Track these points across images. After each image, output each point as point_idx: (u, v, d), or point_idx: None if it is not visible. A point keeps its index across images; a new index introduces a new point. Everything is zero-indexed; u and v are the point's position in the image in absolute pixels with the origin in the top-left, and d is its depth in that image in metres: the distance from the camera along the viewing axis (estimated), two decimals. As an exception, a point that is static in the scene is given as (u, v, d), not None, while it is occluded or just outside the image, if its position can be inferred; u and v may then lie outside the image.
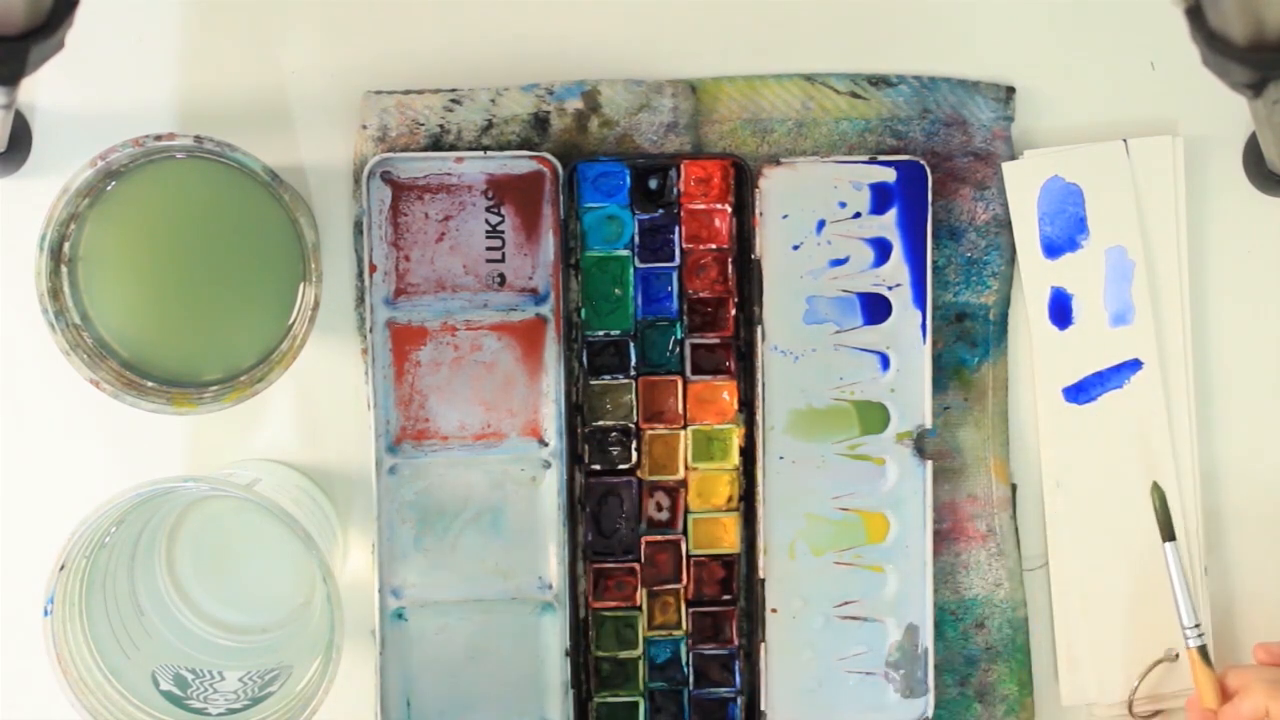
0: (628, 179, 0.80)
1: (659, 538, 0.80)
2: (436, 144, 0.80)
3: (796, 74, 0.82)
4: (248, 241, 0.74)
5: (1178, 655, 0.81)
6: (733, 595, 0.81)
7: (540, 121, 0.80)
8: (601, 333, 0.80)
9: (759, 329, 0.80)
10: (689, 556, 0.81)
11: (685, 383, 0.80)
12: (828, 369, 0.80)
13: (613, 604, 0.80)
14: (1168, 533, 0.79)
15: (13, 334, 0.80)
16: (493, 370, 0.80)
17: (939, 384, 0.81)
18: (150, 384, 0.74)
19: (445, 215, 0.79)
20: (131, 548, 0.78)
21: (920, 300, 0.80)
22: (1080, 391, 0.82)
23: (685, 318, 0.80)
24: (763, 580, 0.80)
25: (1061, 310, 0.82)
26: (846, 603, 0.81)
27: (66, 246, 0.73)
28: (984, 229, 0.82)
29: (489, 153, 0.79)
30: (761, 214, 0.80)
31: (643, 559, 0.80)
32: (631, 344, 0.80)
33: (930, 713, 0.81)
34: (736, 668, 0.81)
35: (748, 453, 0.80)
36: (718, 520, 0.81)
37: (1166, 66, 0.83)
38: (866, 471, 0.81)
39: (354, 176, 0.80)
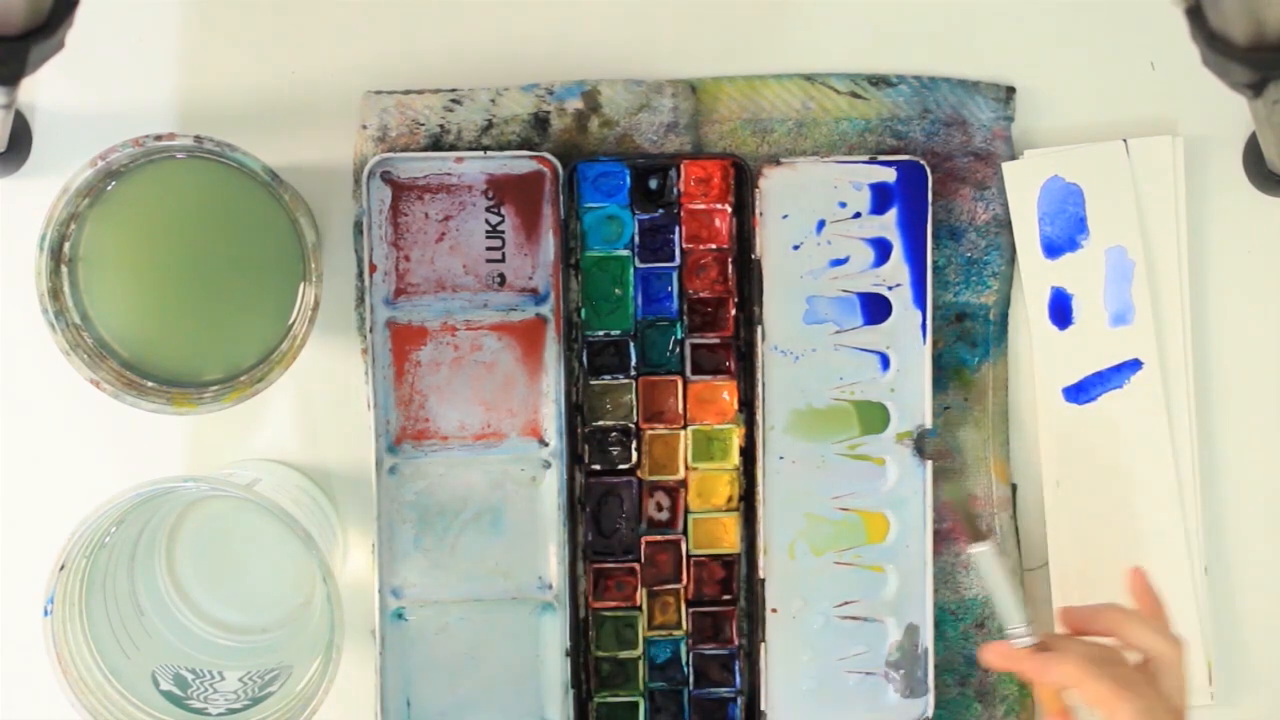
0: (628, 179, 0.80)
1: (659, 538, 0.80)
2: (436, 144, 0.80)
3: (796, 74, 0.82)
4: (248, 241, 0.74)
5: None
6: (733, 595, 0.81)
7: (540, 121, 0.80)
8: (601, 333, 0.80)
9: (759, 329, 0.80)
10: (689, 556, 0.81)
11: (685, 383, 0.80)
12: (828, 369, 0.80)
13: (613, 604, 0.80)
14: (976, 535, 0.73)
15: (13, 334, 0.80)
16: (493, 370, 0.80)
17: (939, 384, 0.81)
18: (150, 384, 0.74)
19: (445, 215, 0.79)
20: (131, 548, 0.78)
21: (920, 300, 0.80)
22: (1080, 391, 0.82)
23: (685, 318, 0.80)
24: (763, 580, 0.80)
25: (1061, 310, 0.82)
26: (846, 603, 0.81)
27: (66, 246, 0.73)
28: (984, 229, 0.82)
29: (489, 153, 0.79)
30: (761, 214, 0.80)
31: (643, 559, 0.80)
32: (631, 344, 0.80)
33: (930, 713, 0.81)
34: (736, 668, 0.81)
35: (748, 453, 0.80)
36: (718, 520, 0.81)
37: (1166, 66, 0.83)
38: (866, 471, 0.81)
39: (354, 176, 0.80)
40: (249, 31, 0.81)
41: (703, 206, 0.80)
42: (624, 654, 0.81)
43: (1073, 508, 0.82)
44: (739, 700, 0.81)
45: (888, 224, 0.80)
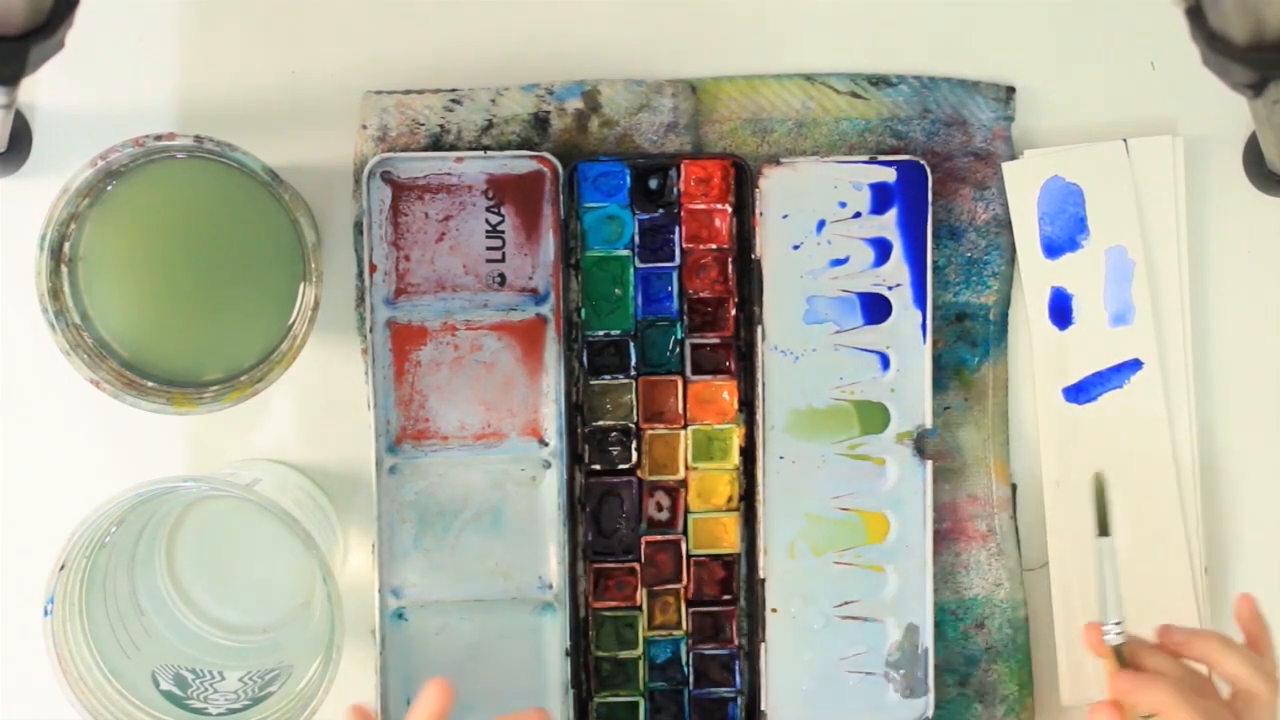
0: (628, 179, 0.80)
1: (659, 538, 0.80)
2: (436, 144, 0.80)
3: (796, 74, 0.82)
4: (248, 241, 0.74)
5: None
6: (733, 595, 0.81)
7: (540, 121, 0.80)
8: (601, 333, 0.80)
9: (759, 329, 0.80)
10: (689, 556, 0.81)
11: (685, 383, 0.80)
12: (828, 369, 0.80)
13: (613, 604, 0.80)
14: (1103, 527, 0.75)
15: (13, 334, 0.80)
16: (493, 370, 0.80)
17: (939, 384, 0.81)
18: (150, 384, 0.74)
19: (445, 215, 0.79)
20: (131, 548, 0.78)
21: (920, 300, 0.80)
22: (1080, 391, 0.82)
23: (685, 318, 0.80)
24: (763, 580, 0.80)
25: (1061, 310, 0.82)
26: (846, 603, 0.81)
27: (66, 246, 0.73)
28: (984, 229, 0.82)
29: (489, 153, 0.79)
30: (761, 214, 0.80)
31: (643, 559, 0.80)
32: (631, 344, 0.80)
33: (930, 713, 0.81)
34: (736, 668, 0.81)
35: (748, 453, 0.80)
36: (718, 520, 0.81)
37: (1166, 66, 0.83)
38: (866, 471, 0.81)
39: (354, 176, 0.80)
40: (249, 31, 0.81)
41: (703, 206, 0.80)
42: (624, 654, 0.81)
43: (1073, 508, 0.82)
44: (739, 700, 0.81)
45: (888, 224, 0.80)
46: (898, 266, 0.80)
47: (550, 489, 0.80)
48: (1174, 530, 0.81)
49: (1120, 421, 0.81)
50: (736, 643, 0.81)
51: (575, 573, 0.80)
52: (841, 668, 0.81)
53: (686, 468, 0.81)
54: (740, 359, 0.80)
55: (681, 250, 0.80)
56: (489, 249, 0.80)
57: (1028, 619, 0.82)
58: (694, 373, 0.80)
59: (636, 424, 0.80)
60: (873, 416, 0.81)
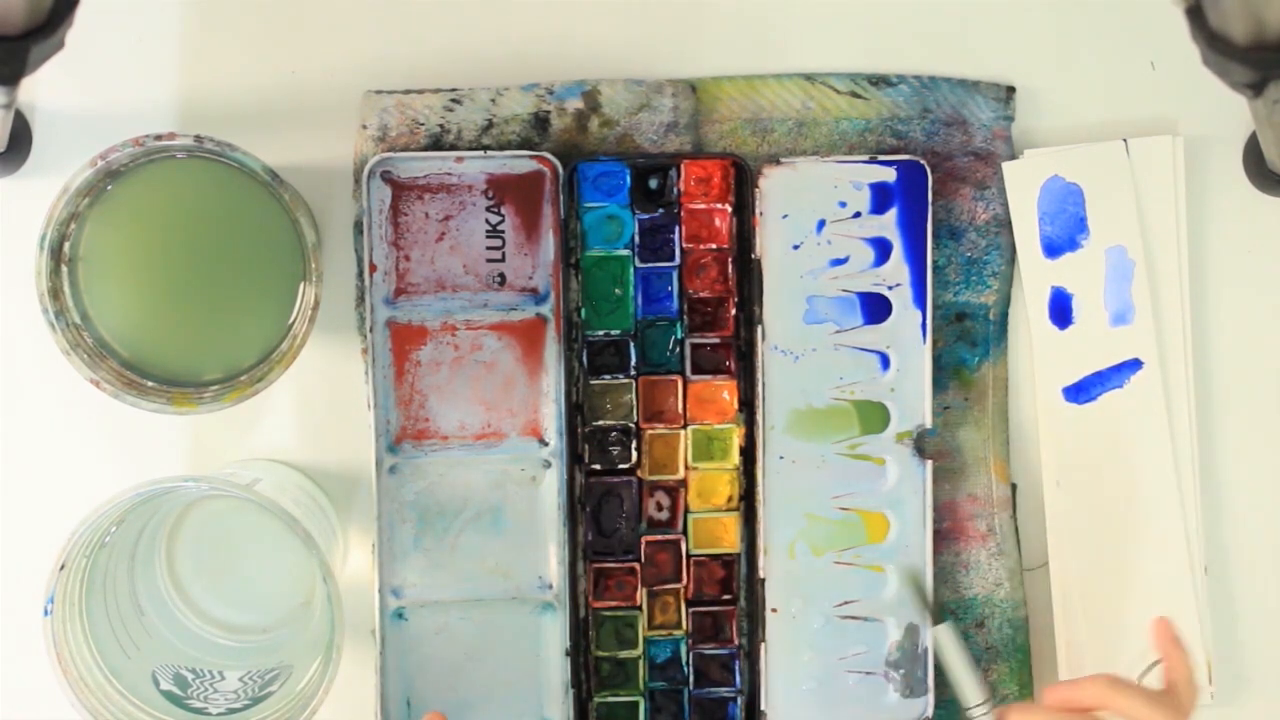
0: (628, 179, 0.80)
1: (659, 538, 0.80)
2: (436, 144, 0.80)
3: (796, 74, 0.82)
4: (248, 241, 0.74)
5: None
6: (733, 595, 0.81)
7: (540, 121, 0.80)
8: (601, 332, 0.80)
9: (759, 329, 0.80)
10: (689, 556, 0.81)
11: (685, 382, 0.80)
12: (828, 369, 0.80)
13: (613, 604, 0.80)
14: (936, 617, 0.79)
15: (13, 334, 0.80)
16: (493, 370, 0.80)
17: (939, 384, 0.81)
18: (150, 384, 0.74)
19: (445, 215, 0.79)
20: (131, 548, 0.78)
21: (920, 300, 0.80)
22: (1080, 391, 0.82)
23: (685, 317, 0.80)
24: (763, 580, 0.80)
25: (1061, 310, 0.82)
26: (846, 602, 0.81)
27: (66, 246, 0.73)
28: (984, 229, 0.82)
29: (489, 152, 0.79)
30: (761, 214, 0.80)
31: (643, 559, 0.80)
32: (631, 344, 0.80)
33: (930, 713, 0.81)
34: (736, 668, 0.81)
35: (748, 453, 0.80)
36: (718, 520, 0.81)
37: (1166, 66, 0.83)
38: (866, 471, 0.81)
39: (354, 176, 0.80)
40: (249, 31, 0.81)
41: (703, 206, 0.80)
42: (624, 654, 0.81)
43: (1073, 508, 0.82)
44: (739, 700, 0.81)
45: (888, 224, 0.80)
46: (898, 266, 0.80)
47: (550, 489, 0.80)
48: (1174, 530, 0.81)
49: (1120, 421, 0.81)
50: (736, 642, 0.81)
51: (575, 572, 0.80)
52: (841, 668, 0.81)
53: (686, 467, 0.81)
54: (740, 359, 0.80)
55: (681, 250, 0.80)
56: (489, 249, 0.80)
57: (1028, 619, 0.82)
58: (694, 372, 0.80)
59: (636, 424, 0.80)
60: (873, 416, 0.81)
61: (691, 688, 0.81)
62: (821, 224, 0.80)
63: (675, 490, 0.81)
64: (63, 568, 0.70)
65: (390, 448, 0.79)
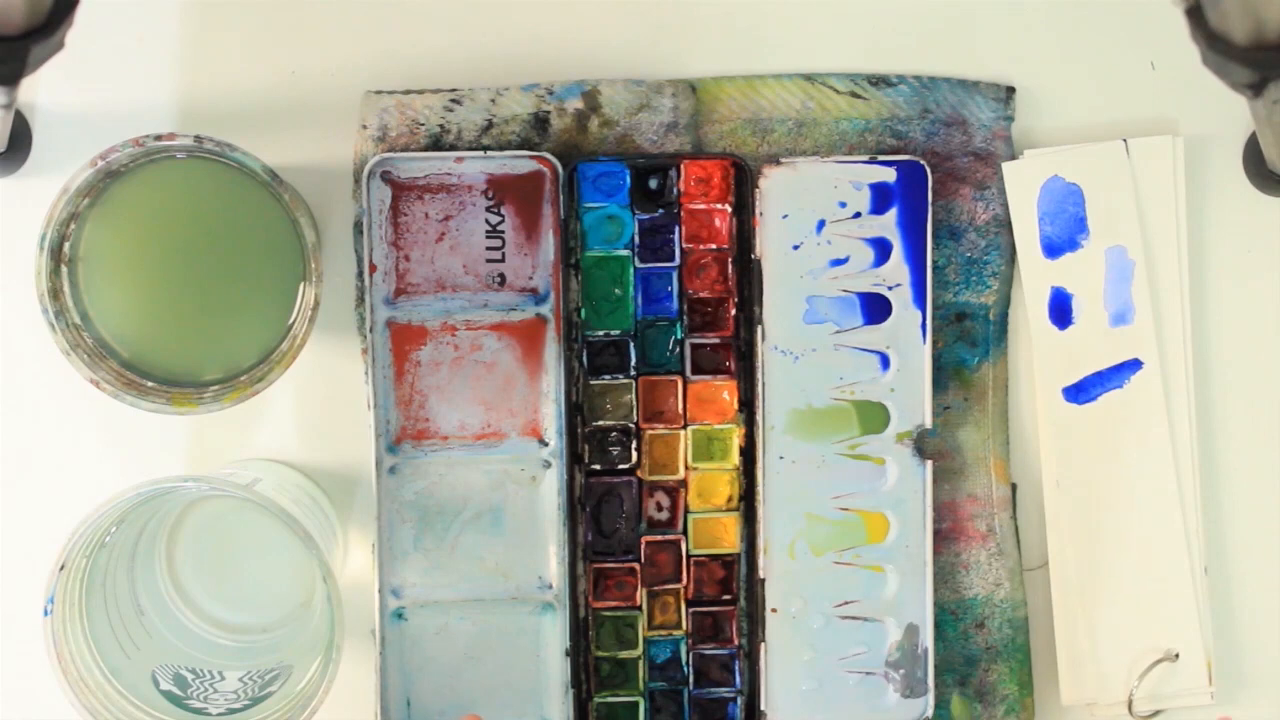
0: (628, 179, 0.80)
1: (659, 538, 0.81)
2: (436, 144, 0.80)
3: (796, 74, 0.82)
4: (248, 241, 0.74)
5: (1178, 655, 0.81)
6: (733, 595, 0.81)
7: (540, 121, 0.80)
8: (601, 333, 0.80)
9: (759, 329, 0.80)
10: (689, 556, 0.81)
11: (685, 383, 0.80)
12: (828, 369, 0.80)
13: (613, 604, 0.80)
14: None
15: (13, 334, 0.80)
16: (493, 370, 0.80)
17: (939, 384, 0.81)
18: (150, 384, 0.74)
19: (445, 215, 0.79)
20: (131, 548, 0.78)
21: (920, 300, 0.80)
22: (1080, 391, 0.82)
23: (685, 318, 0.80)
24: (763, 580, 0.80)
25: (1061, 310, 0.82)
26: (846, 603, 0.81)
27: (66, 246, 0.73)
28: (984, 229, 0.82)
29: (489, 153, 0.79)
30: (761, 214, 0.80)
31: (643, 559, 0.80)
32: (631, 344, 0.80)
33: (930, 713, 0.81)
34: (736, 668, 0.81)
35: (748, 453, 0.80)
36: (718, 520, 0.81)
37: (1166, 66, 0.83)
38: (866, 471, 0.81)
39: (354, 176, 0.80)
40: (249, 31, 0.81)
41: (703, 206, 0.80)
42: (624, 654, 0.81)
43: (1073, 508, 0.82)
44: (739, 700, 0.81)
45: (888, 224, 0.80)
46: (898, 266, 0.80)
47: (550, 489, 0.80)
48: (1174, 530, 0.81)
49: (1120, 421, 0.81)
50: (736, 643, 0.81)
51: (575, 573, 0.80)
52: (841, 668, 0.81)
53: (686, 468, 0.81)
54: (740, 359, 0.80)
55: (681, 250, 0.80)
56: (489, 249, 0.80)
57: (1028, 619, 0.82)
58: (694, 373, 0.80)
59: (636, 424, 0.80)
60: (873, 416, 0.81)
61: (691, 688, 0.81)
62: (821, 224, 0.80)
63: (675, 490, 0.81)
64: (63, 568, 0.70)
65: (390, 448, 0.79)
